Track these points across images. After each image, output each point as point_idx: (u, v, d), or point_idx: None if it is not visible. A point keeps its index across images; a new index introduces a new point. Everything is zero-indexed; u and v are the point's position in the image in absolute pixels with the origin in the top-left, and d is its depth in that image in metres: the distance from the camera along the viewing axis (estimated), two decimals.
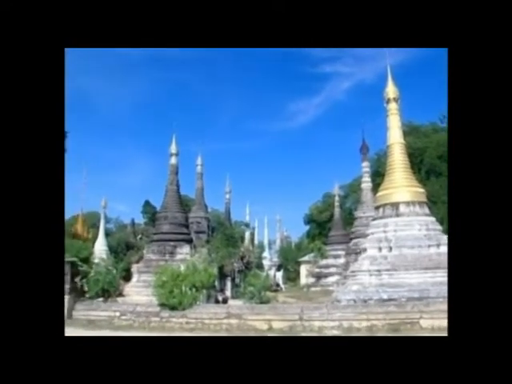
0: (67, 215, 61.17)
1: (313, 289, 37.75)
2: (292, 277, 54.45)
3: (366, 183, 37.56)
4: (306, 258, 49.60)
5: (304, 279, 46.91)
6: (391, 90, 21.81)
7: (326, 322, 13.89)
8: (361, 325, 13.46)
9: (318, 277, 40.20)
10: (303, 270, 49.11)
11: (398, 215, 20.18)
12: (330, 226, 47.16)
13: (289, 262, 56.53)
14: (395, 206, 20.36)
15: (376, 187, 29.21)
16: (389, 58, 22.81)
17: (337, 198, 44.79)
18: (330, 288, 32.40)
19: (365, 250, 20.89)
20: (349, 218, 46.10)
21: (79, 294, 17.53)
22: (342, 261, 37.85)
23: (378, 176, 36.01)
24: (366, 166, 37.78)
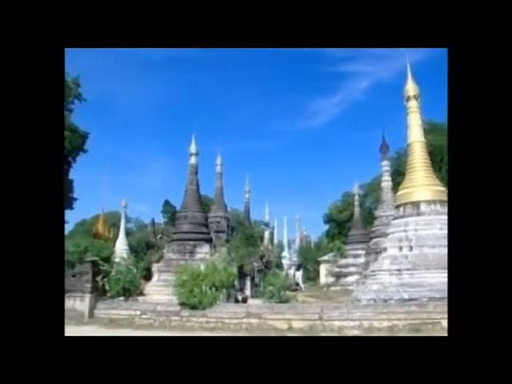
0: (89, 215, 62.01)
1: (332, 288, 37.67)
2: (311, 276, 54.35)
3: (386, 182, 37.28)
4: (325, 257, 49.46)
5: (324, 279, 46.81)
6: (411, 88, 21.56)
7: (346, 322, 13.79)
8: (381, 325, 13.33)
9: (338, 276, 40.08)
10: (323, 269, 48.99)
11: (418, 214, 19.96)
12: (350, 225, 46.95)
13: (308, 261, 56.42)
14: (416, 204, 20.14)
15: (396, 186, 29.02)
16: (408, 55, 22.58)
17: (356, 197, 44.54)
18: (350, 287, 32.26)
19: (385, 249, 20.73)
20: (369, 218, 45.81)
21: (101, 292, 17.68)
22: (361, 260, 37.68)
23: (399, 175, 35.71)
24: (386, 165, 37.49)
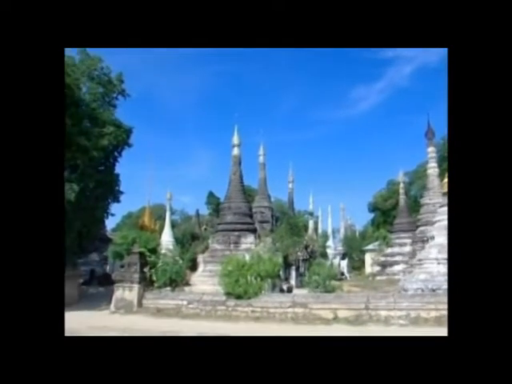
0: (135, 208, 63.16)
1: (378, 278, 37.33)
2: (356, 266, 53.98)
3: (433, 169, 36.43)
4: (370, 246, 49.07)
5: (369, 268, 46.46)
6: None
7: (392, 312, 13.67)
8: (429, 315, 13.14)
9: (384, 265, 39.63)
10: (368, 258, 48.62)
11: None
12: (395, 213, 46.20)
13: (353, 250, 56.03)
14: None
15: (443, 173, 28.42)
16: None
17: (402, 185, 43.76)
18: (396, 277, 31.96)
19: (432, 237, 20.36)
20: (414, 206, 44.99)
21: (148, 283, 18.10)
22: (407, 249, 37.20)
23: (445, 161, 34.84)
24: (431, 152, 36.57)
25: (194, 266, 28.68)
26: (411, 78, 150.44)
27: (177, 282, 19.07)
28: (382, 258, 40.93)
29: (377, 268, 41.26)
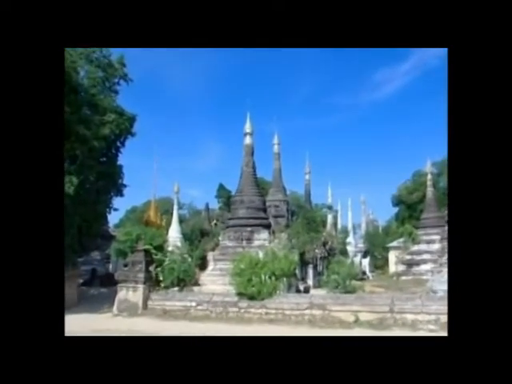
0: (139, 202, 63.34)
1: (403, 277, 36.99)
2: (379, 264, 53.74)
3: None
4: (394, 243, 48.63)
5: (393, 267, 46.09)
6: None
7: (420, 316, 13.49)
8: None
9: (409, 264, 39.31)
10: (392, 256, 48.23)
11: None
12: (422, 207, 45.76)
13: (376, 247, 55.75)
14: None
15: None
16: None
17: (429, 177, 43.17)
18: (424, 277, 31.73)
19: None
20: (443, 199, 44.42)
21: (154, 283, 18.06)
22: (436, 246, 36.81)
23: None
24: None
25: (203, 265, 28.61)
26: (441, 57, 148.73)
27: (185, 281, 19.05)
28: (408, 257, 40.59)
29: (402, 267, 40.92)
